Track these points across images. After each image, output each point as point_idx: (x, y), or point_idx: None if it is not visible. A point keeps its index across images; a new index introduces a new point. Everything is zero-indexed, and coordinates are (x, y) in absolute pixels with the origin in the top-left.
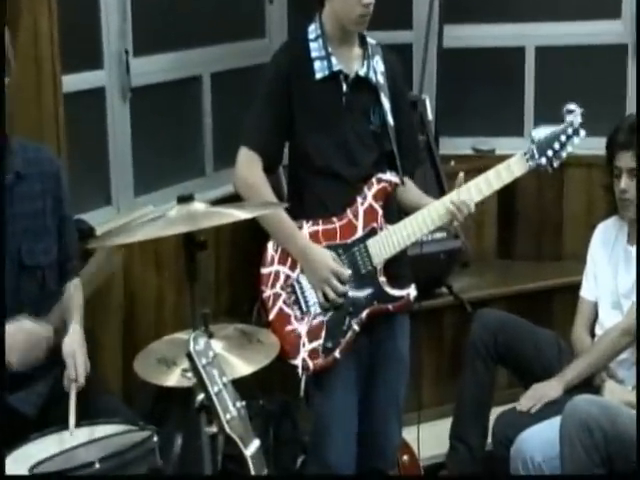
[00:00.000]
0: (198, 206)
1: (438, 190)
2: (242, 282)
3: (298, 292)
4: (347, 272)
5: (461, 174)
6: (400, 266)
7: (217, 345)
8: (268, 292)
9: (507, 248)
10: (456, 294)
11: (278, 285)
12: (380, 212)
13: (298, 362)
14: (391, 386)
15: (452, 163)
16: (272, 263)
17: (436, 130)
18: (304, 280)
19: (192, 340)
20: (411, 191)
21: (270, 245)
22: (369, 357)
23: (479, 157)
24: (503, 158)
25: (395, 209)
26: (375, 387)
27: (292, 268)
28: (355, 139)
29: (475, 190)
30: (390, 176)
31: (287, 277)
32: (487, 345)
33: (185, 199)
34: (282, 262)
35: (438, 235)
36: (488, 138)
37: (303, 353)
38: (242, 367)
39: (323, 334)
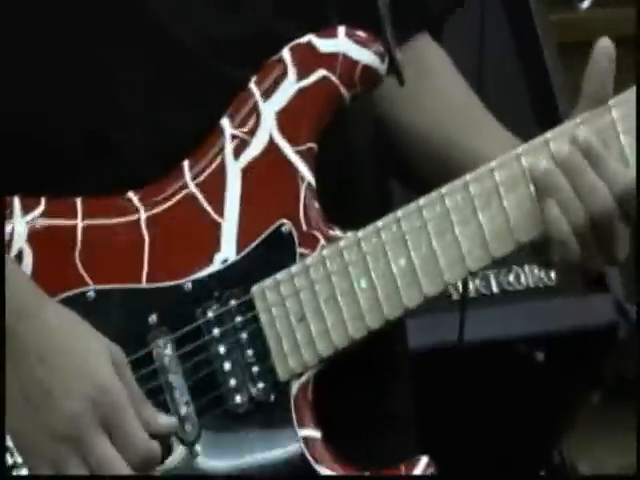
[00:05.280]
0: None
1: (531, 107)
2: None
3: None
4: (167, 420)
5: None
6: (379, 375)
7: None
8: None
9: None
10: None
11: None
12: (308, 178)
13: None
14: None
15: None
16: None
17: None
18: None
19: None
20: (443, 102)
21: None
22: None
23: None
24: None
25: (369, 165)
26: None
27: None
28: None
29: None
30: (347, 43)
31: None
32: None
33: None
34: None
35: (537, 276)
36: None
37: None
38: None
39: None
